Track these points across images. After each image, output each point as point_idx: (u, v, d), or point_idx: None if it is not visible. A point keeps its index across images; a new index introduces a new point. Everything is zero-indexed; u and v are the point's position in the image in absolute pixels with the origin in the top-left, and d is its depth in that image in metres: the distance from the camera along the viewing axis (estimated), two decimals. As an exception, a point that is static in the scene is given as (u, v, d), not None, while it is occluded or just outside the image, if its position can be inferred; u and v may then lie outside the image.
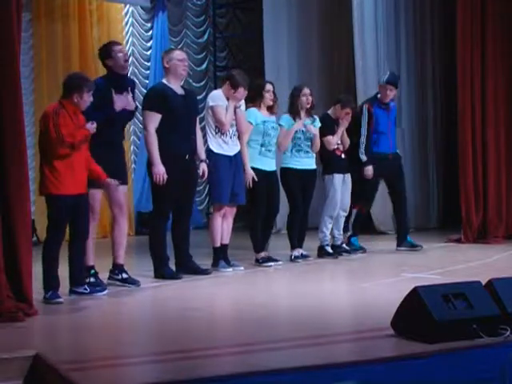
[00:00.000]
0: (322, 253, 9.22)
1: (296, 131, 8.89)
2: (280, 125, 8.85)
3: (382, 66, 11.97)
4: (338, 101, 9.47)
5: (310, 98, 8.96)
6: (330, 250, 9.26)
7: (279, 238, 10.52)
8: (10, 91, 5.72)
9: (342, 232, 9.48)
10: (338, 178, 9.28)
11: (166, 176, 7.52)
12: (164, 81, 7.79)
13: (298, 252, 8.91)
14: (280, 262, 8.66)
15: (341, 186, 9.31)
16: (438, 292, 5.02)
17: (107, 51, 7.29)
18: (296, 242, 8.96)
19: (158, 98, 7.60)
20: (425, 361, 4.68)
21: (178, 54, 7.82)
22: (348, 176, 9.43)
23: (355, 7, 11.59)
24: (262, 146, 8.59)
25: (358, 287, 7.46)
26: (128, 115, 7.35)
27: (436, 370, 4.66)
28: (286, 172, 8.91)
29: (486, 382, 4.69)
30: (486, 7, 10.66)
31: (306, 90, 8.99)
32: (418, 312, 4.94)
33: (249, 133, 8.47)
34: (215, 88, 13.57)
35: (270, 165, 8.68)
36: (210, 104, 8.16)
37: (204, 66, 13.88)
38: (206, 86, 13.78)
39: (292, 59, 12.47)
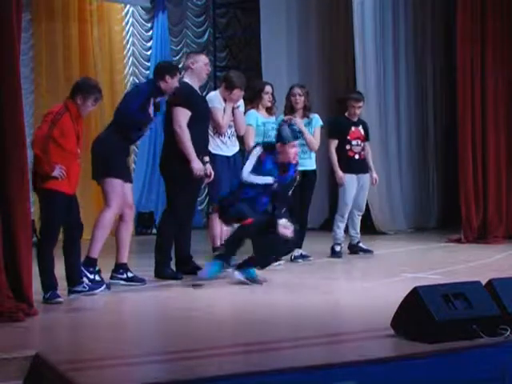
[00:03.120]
0: (331, 251, 9.35)
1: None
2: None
3: (381, 67, 11.97)
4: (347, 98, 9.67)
5: (298, 97, 8.96)
6: (337, 248, 9.34)
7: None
8: (10, 91, 5.72)
9: (358, 231, 9.53)
10: (347, 178, 9.33)
11: (202, 172, 7.64)
12: (187, 80, 7.84)
13: (297, 252, 8.92)
14: (282, 262, 8.68)
15: (354, 186, 9.35)
16: (438, 292, 5.02)
17: (172, 73, 7.45)
18: (297, 243, 8.96)
19: (188, 95, 7.68)
20: (425, 361, 4.68)
21: (204, 58, 7.98)
22: (363, 176, 9.46)
23: (355, 7, 11.58)
24: None
25: (357, 287, 7.47)
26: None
27: (436, 369, 4.67)
28: None
29: (486, 382, 4.69)
30: (485, 7, 10.67)
31: (295, 90, 9.03)
32: (418, 312, 4.94)
33: (251, 134, 8.49)
34: (215, 88, 13.57)
35: None
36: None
37: (204, 66, 13.86)
38: (205, 86, 13.75)
39: (291, 59, 12.47)
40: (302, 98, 8.96)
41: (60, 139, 6.49)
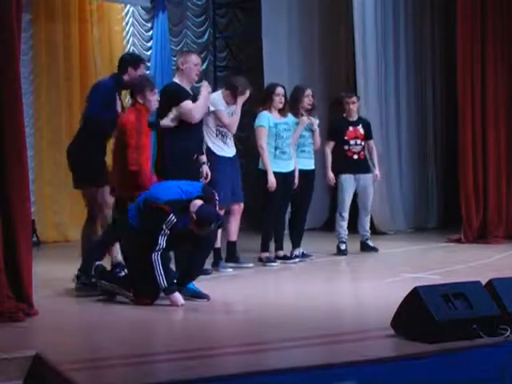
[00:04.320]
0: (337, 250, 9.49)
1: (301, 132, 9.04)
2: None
3: (381, 66, 11.97)
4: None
5: (312, 99, 9.08)
6: (342, 247, 9.46)
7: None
8: (10, 92, 5.72)
9: (367, 229, 9.67)
10: (344, 178, 9.49)
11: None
12: (177, 81, 7.84)
13: (298, 251, 8.95)
14: (277, 263, 8.69)
15: (351, 185, 9.48)
16: (438, 292, 5.02)
17: (136, 64, 7.36)
18: (296, 241, 9.03)
19: (176, 94, 7.65)
20: (425, 361, 4.69)
21: (194, 59, 7.88)
22: (364, 177, 9.57)
23: (356, 7, 11.58)
24: (276, 148, 8.69)
25: (358, 287, 7.47)
26: None
27: (436, 370, 4.67)
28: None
29: (486, 382, 4.69)
30: (485, 7, 10.67)
31: (309, 92, 9.11)
32: (418, 312, 4.95)
33: (263, 136, 8.59)
34: (215, 88, 13.57)
35: (286, 166, 8.75)
36: (211, 109, 8.17)
37: (204, 66, 13.85)
38: (205, 87, 13.76)
39: (292, 59, 12.46)
40: (312, 100, 9.11)
41: (145, 141, 6.76)
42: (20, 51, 5.90)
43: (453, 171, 11.74)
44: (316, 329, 5.48)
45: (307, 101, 9.03)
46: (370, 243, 9.68)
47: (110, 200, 7.24)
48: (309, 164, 9.09)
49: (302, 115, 8.98)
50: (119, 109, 7.27)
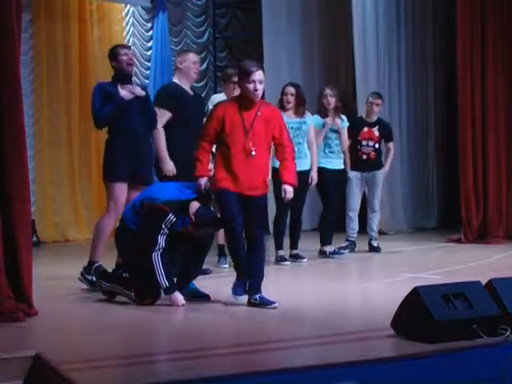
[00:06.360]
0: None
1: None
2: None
3: (382, 67, 11.98)
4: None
5: (330, 98, 9.18)
6: (343, 244, 9.55)
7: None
8: (10, 92, 5.72)
9: (373, 228, 9.74)
10: (350, 177, 9.63)
11: (175, 172, 7.53)
12: (175, 80, 7.84)
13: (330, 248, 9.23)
14: (305, 260, 8.82)
15: (357, 182, 9.63)
16: (438, 292, 5.02)
17: (114, 53, 7.31)
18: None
19: (169, 96, 7.65)
20: (425, 361, 4.68)
21: (192, 57, 7.89)
22: (370, 174, 9.65)
23: (355, 7, 11.60)
24: None
25: (358, 287, 7.46)
26: (143, 103, 7.26)
27: (436, 370, 4.67)
28: (321, 172, 9.11)
29: (486, 382, 4.69)
30: (485, 7, 10.67)
31: (327, 91, 9.25)
32: (418, 312, 4.94)
33: None
34: (215, 88, 13.58)
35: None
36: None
37: (204, 66, 13.87)
38: (206, 86, 13.78)
39: (292, 59, 12.47)
40: (333, 99, 9.21)
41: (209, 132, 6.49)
42: (20, 51, 5.90)
43: (453, 171, 11.75)
44: (316, 329, 5.48)
45: (326, 101, 9.17)
46: (374, 243, 9.70)
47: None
48: (338, 164, 9.27)
49: (327, 116, 9.13)
50: (127, 92, 7.13)
